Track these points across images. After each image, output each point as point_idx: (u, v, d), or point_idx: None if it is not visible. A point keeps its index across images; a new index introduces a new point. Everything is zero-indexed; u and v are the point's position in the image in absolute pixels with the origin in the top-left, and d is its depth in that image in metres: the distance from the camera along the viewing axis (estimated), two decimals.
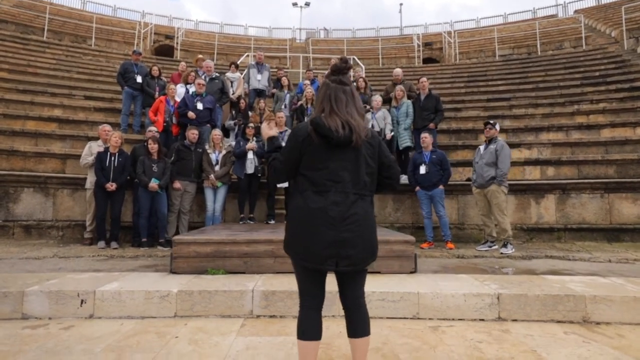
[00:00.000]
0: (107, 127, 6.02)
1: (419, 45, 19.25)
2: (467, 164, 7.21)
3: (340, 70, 1.90)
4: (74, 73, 10.92)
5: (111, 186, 5.45)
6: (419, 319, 3.17)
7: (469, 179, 6.98)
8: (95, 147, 5.83)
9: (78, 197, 6.13)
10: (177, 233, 5.96)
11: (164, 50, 18.93)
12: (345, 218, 1.77)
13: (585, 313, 3.14)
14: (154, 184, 5.43)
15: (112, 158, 5.57)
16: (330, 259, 1.76)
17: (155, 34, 19.10)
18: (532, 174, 7.06)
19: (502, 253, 5.27)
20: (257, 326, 2.96)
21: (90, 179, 5.69)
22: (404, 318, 3.17)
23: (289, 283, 3.40)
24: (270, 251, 3.91)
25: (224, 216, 6.40)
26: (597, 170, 6.84)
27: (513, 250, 5.32)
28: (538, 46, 16.23)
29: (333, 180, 1.80)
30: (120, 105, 8.47)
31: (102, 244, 5.48)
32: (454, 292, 3.24)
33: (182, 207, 5.99)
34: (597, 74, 11.09)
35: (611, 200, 6.23)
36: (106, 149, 5.63)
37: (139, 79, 7.73)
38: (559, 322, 3.12)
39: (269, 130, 2.09)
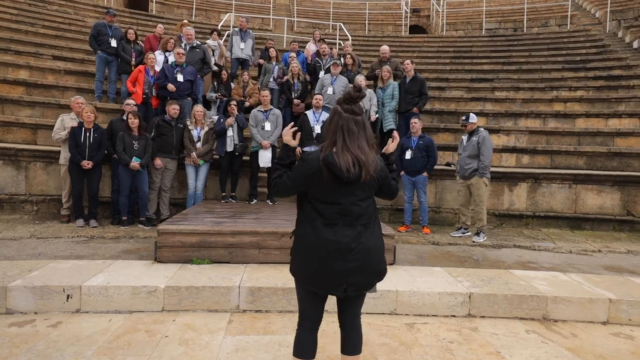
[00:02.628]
0: (80, 100, 5.71)
1: (406, 12, 18.73)
2: (449, 148, 7.38)
3: (354, 99, 1.91)
4: (40, 27, 10.06)
5: (87, 164, 5.28)
6: (396, 314, 3.39)
7: (448, 164, 7.18)
8: (68, 120, 5.55)
9: (52, 171, 5.91)
10: (157, 211, 5.93)
11: (138, 0, 17.59)
12: (353, 249, 1.86)
13: (546, 311, 3.45)
14: (135, 163, 5.29)
15: (87, 134, 5.35)
16: (339, 286, 1.88)
17: None
18: (509, 161, 7.31)
19: (474, 241, 5.55)
20: (244, 322, 3.09)
21: (65, 155, 5.47)
22: (382, 314, 3.38)
23: (274, 277, 3.53)
24: (255, 242, 3.98)
25: (205, 193, 6.37)
26: (569, 160, 7.15)
27: (485, 239, 5.61)
28: (525, 22, 16.13)
29: (342, 214, 1.89)
30: (92, 68, 7.99)
31: (80, 222, 5.39)
32: (430, 290, 3.45)
33: (162, 184, 5.90)
34: (578, 58, 11.24)
35: (578, 191, 6.59)
36: (80, 124, 5.38)
37: (113, 43, 7.23)
38: (521, 319, 3.42)
39: (290, 137, 2.02)
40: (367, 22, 18.33)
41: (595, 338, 3.12)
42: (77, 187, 5.38)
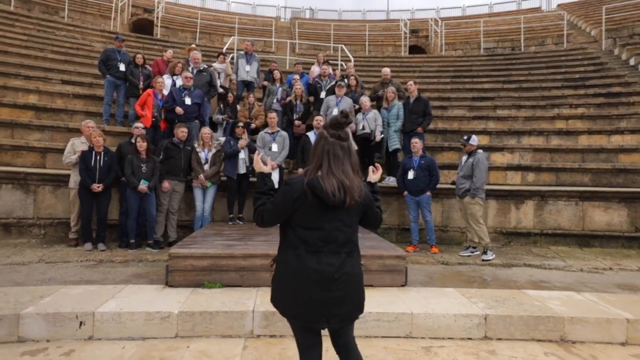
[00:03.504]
0: (91, 123, 5.80)
1: (405, 33, 19.15)
2: (454, 166, 7.38)
3: (340, 124, 1.91)
4: (48, 52, 10.30)
5: (97, 187, 5.31)
6: (412, 337, 3.34)
7: (453, 182, 7.20)
8: (79, 144, 5.62)
9: (60, 195, 5.94)
10: (165, 233, 5.93)
11: (142, 25, 18.03)
12: (337, 278, 1.84)
13: (563, 333, 3.40)
14: (143, 185, 5.32)
15: (98, 157, 5.41)
16: (322, 317, 1.85)
17: (133, 6, 18.09)
18: (514, 179, 7.34)
19: (483, 260, 5.53)
20: (259, 348, 3.05)
21: (74, 178, 5.52)
22: (398, 337, 3.34)
23: None
24: (267, 265, 3.94)
25: (213, 215, 6.38)
26: (574, 177, 7.18)
27: (493, 256, 5.59)
28: (522, 41, 16.47)
29: (326, 241, 1.86)
30: (101, 92, 8.13)
31: (88, 246, 5.38)
32: (445, 312, 3.42)
33: (170, 206, 5.92)
34: (577, 76, 11.42)
35: (585, 208, 6.59)
36: (90, 148, 5.45)
37: (122, 67, 7.40)
38: (539, 341, 3.37)
39: (262, 164, 2.05)
40: (367, 43, 18.73)
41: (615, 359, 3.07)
42: (86, 211, 5.39)
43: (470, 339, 3.36)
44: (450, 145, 8.14)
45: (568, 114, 9.19)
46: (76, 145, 5.57)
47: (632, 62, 12.33)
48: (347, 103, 7.19)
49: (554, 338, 3.38)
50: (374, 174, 2.16)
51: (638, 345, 3.34)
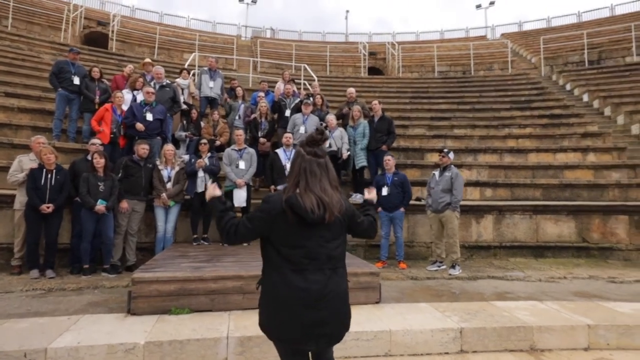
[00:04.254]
0: (42, 139, 5.36)
1: (364, 55, 19.85)
2: (417, 183, 7.63)
3: (316, 142, 1.91)
4: None
5: (47, 208, 4.87)
6: (390, 355, 3.31)
7: (417, 198, 7.40)
8: (27, 161, 5.17)
9: (2, 217, 5.38)
10: (123, 256, 5.54)
11: (96, 38, 17.27)
12: (324, 296, 1.81)
13: (533, 342, 3.52)
14: (100, 206, 4.96)
15: (49, 175, 4.98)
16: (310, 340, 1.80)
17: (85, 18, 17.33)
18: (473, 195, 7.68)
19: (450, 274, 5.66)
20: None
21: (20, 199, 5.03)
22: (377, 356, 3.29)
23: None
24: (239, 287, 3.80)
25: (175, 236, 6.06)
26: (527, 192, 7.65)
27: (460, 271, 5.75)
28: (472, 66, 17.63)
29: (309, 258, 1.82)
30: (50, 106, 7.60)
31: (35, 273, 4.88)
32: (422, 327, 3.43)
33: (129, 227, 5.56)
34: (523, 98, 12.36)
35: (538, 221, 7.01)
36: (41, 166, 5.01)
37: (76, 81, 6.96)
38: (511, 351, 3.46)
39: (213, 190, 2.02)
40: (328, 63, 19.16)
41: None
42: (34, 234, 4.91)
43: (447, 353, 3.38)
44: (413, 163, 8.40)
45: (518, 133, 9.85)
46: (24, 163, 5.11)
47: (568, 87, 13.58)
48: (313, 121, 7.23)
49: (524, 347, 3.49)
50: (370, 194, 2.26)
51: (599, 349, 3.52)
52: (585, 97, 12.28)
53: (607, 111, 11.12)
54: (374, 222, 2.11)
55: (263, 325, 1.88)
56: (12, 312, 3.66)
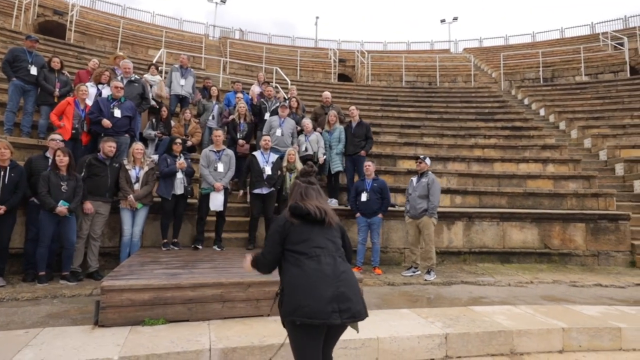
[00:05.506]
0: None
1: (335, 62, 20.01)
2: (390, 189, 7.69)
3: (308, 173, 2.66)
4: None
5: None
6: None
7: (391, 205, 7.47)
8: None
9: None
10: (85, 262, 5.11)
11: (51, 28, 16.16)
12: (338, 275, 2.06)
13: (512, 346, 3.60)
14: (62, 207, 4.54)
15: (2, 173, 4.52)
16: (334, 313, 1.96)
17: (39, 6, 16.16)
18: (444, 202, 7.87)
19: (426, 280, 5.74)
20: None
21: None
22: None
23: (246, 334, 3.18)
24: (219, 295, 3.59)
25: (142, 241, 5.69)
26: (494, 200, 7.96)
27: (435, 276, 5.84)
28: (437, 77, 18.29)
29: (319, 247, 2.13)
30: (2, 97, 6.93)
31: None
32: (409, 334, 3.41)
33: (92, 231, 5.13)
34: (486, 110, 12.95)
35: (504, 228, 7.29)
36: None
37: (33, 71, 6.39)
38: (492, 355, 3.52)
39: (247, 264, 2.37)
40: (299, 67, 19.12)
41: None
42: None
43: (433, 359, 3.38)
44: (386, 169, 8.49)
45: (483, 143, 10.27)
46: None
47: (526, 101, 14.42)
48: (289, 124, 7.12)
49: (505, 352, 3.57)
50: None
51: (572, 351, 3.67)
52: (542, 112, 13.08)
53: (562, 125, 11.89)
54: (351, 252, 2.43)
55: (287, 312, 2.02)
56: None
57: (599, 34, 20.71)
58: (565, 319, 3.97)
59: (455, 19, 29.68)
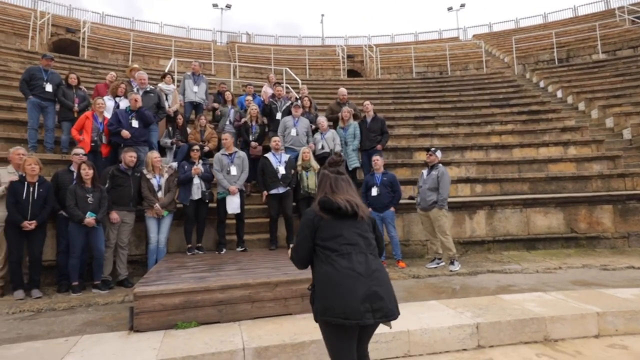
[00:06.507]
0: (21, 150, 5.03)
1: (343, 58, 19.94)
2: (408, 182, 7.66)
3: (337, 163, 2.73)
4: None
5: (30, 225, 4.55)
6: (410, 356, 3.25)
7: (411, 197, 7.42)
8: (5, 175, 4.83)
9: None
10: (114, 271, 5.26)
11: (65, 45, 16.60)
12: (371, 273, 2.01)
13: (546, 332, 3.54)
14: (90, 218, 4.68)
15: (31, 189, 4.67)
16: (367, 313, 1.93)
17: (53, 25, 16.62)
18: (464, 191, 7.77)
19: (451, 271, 5.68)
20: None
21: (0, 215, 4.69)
22: (396, 357, 3.22)
23: (277, 333, 3.22)
24: (247, 296, 3.65)
25: (167, 247, 5.81)
26: (515, 186, 7.81)
27: (459, 267, 5.77)
28: (448, 66, 18.02)
29: (350, 244, 2.07)
30: (23, 116, 7.16)
31: (20, 294, 4.55)
32: (439, 325, 3.39)
33: (119, 240, 5.28)
34: (501, 96, 12.69)
35: (528, 214, 7.15)
36: (22, 178, 4.70)
37: (48, 88, 6.58)
38: (526, 343, 3.47)
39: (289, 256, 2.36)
40: (307, 66, 19.13)
41: (597, 352, 3.25)
42: (16, 252, 4.58)
43: (465, 349, 3.35)
44: (403, 162, 8.43)
45: (500, 130, 10.09)
46: (2, 176, 4.78)
47: (542, 84, 14.07)
48: (304, 123, 7.14)
49: (538, 339, 3.51)
50: None
51: (609, 336, 3.59)
52: (559, 94, 12.74)
53: (582, 106, 11.57)
54: (383, 247, 2.37)
55: (320, 313, 2.00)
56: (1, 337, 3.37)
57: (614, 9, 20.06)
58: (599, 303, 3.88)
59: (462, 5, 29.20)
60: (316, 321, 2.08)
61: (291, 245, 2.23)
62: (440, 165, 6.01)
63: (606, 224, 7.07)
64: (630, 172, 7.77)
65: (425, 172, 6.08)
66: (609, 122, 10.29)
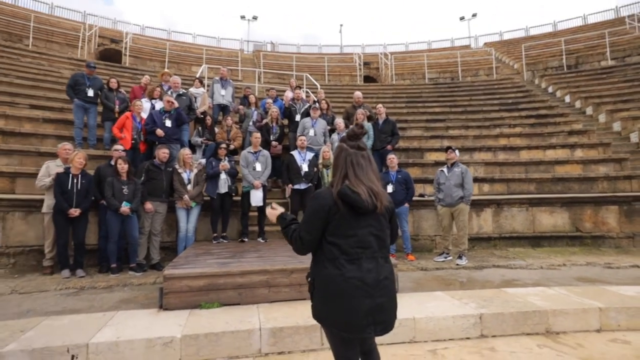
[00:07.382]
0: (68, 146, 5.22)
1: (359, 65, 19.80)
2: (419, 180, 7.54)
3: (357, 135, 1.85)
4: (14, 77, 9.32)
5: (75, 212, 4.72)
6: (415, 342, 3.20)
7: (421, 195, 7.30)
8: (54, 167, 5.02)
9: (32, 220, 5.22)
10: (148, 255, 5.39)
11: (110, 54, 17.10)
12: (378, 283, 1.74)
13: (548, 325, 3.41)
14: (125, 207, 4.82)
15: (75, 180, 4.84)
16: (369, 327, 1.72)
17: (99, 37, 17.17)
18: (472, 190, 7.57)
19: (457, 264, 5.56)
20: None
21: (48, 203, 4.88)
22: (403, 343, 3.17)
23: (292, 316, 3.23)
24: (265, 281, 3.67)
25: (195, 235, 5.91)
26: (522, 187, 7.57)
27: (467, 262, 5.64)
28: (459, 72, 17.61)
29: (362, 247, 1.75)
30: (72, 117, 7.42)
31: (66, 272, 4.72)
32: (444, 314, 3.32)
33: (153, 228, 5.41)
34: (510, 101, 12.32)
35: (534, 213, 6.92)
36: (67, 170, 4.87)
37: (90, 93, 6.80)
38: (528, 334, 3.36)
39: (274, 211, 1.96)
40: (326, 73, 19.10)
41: (599, 346, 3.11)
42: (63, 236, 4.76)
43: (468, 338, 3.27)
44: (415, 162, 8.31)
45: (508, 132, 9.79)
46: (51, 168, 4.96)
47: (550, 89, 13.57)
48: (321, 124, 7.13)
49: (540, 331, 3.39)
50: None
51: (610, 331, 3.43)
52: (568, 99, 12.26)
53: (589, 110, 11.09)
54: (397, 235, 2.04)
55: (319, 316, 1.79)
56: (50, 309, 3.51)
57: (624, 17, 19.13)
58: (601, 299, 3.71)
59: (474, 15, 28.46)
60: (318, 322, 1.83)
61: (292, 227, 1.86)
62: (460, 163, 5.91)
63: (611, 224, 6.76)
64: (636, 174, 7.41)
65: (445, 169, 5.95)
66: (617, 126, 9.83)
